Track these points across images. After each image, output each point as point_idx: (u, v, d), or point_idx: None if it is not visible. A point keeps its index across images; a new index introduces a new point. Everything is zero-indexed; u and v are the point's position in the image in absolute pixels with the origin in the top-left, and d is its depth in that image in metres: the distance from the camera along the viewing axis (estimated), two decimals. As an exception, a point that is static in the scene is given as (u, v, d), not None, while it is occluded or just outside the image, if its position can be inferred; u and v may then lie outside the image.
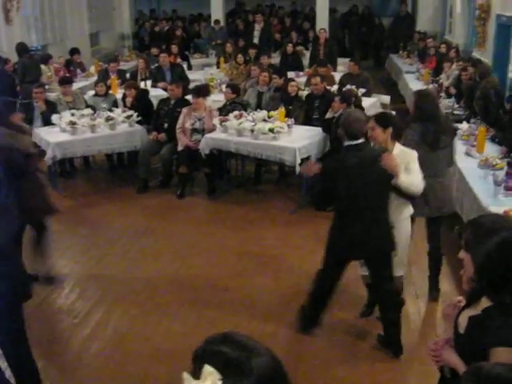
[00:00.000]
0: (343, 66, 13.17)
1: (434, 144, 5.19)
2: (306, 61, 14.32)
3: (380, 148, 4.66)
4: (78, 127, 8.40)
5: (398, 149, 4.72)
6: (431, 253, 5.55)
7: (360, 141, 4.58)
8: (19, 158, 5.17)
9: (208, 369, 1.52)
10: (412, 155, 4.70)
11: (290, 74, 11.87)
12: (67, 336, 5.25)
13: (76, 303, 5.79)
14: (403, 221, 4.86)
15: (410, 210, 4.92)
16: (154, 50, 14.21)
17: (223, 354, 1.54)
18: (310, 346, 4.96)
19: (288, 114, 8.30)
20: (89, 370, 4.76)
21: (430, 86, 10.88)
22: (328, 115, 7.99)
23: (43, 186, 6.07)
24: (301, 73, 12.86)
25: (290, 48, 13.98)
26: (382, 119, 4.82)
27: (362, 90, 9.90)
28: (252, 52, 13.33)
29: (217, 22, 16.99)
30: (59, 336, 5.27)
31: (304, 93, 9.91)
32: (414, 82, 12.19)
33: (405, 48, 16.16)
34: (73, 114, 8.76)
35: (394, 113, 5.53)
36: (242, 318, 5.33)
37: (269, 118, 8.28)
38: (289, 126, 7.92)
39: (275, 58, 14.24)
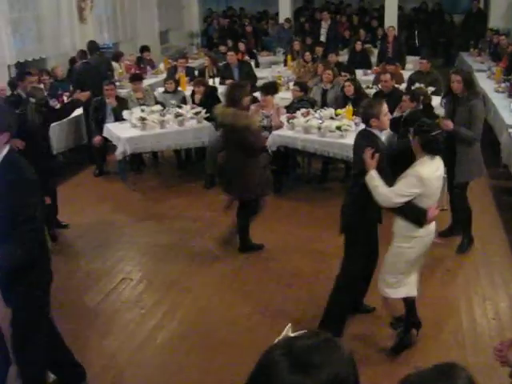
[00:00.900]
0: (412, 64, 12.97)
1: None
2: (373, 59, 14.18)
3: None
4: (147, 123, 8.58)
5: (421, 160, 4.48)
6: None
7: None
8: None
9: None
10: (419, 176, 4.38)
11: (358, 72, 11.80)
12: (134, 326, 5.37)
13: (143, 294, 5.94)
14: (411, 239, 4.54)
15: (418, 229, 4.52)
16: (222, 48, 14.37)
17: None
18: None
19: (355, 112, 8.26)
20: (154, 360, 4.87)
21: (502, 85, 10.61)
22: (395, 114, 7.89)
23: None
24: (368, 71, 12.76)
25: (358, 46, 13.87)
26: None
27: (431, 89, 9.73)
28: (319, 50, 13.28)
29: (288, 20, 16.98)
30: (125, 327, 5.40)
31: (371, 91, 9.85)
32: (485, 81, 11.88)
33: (476, 46, 15.78)
34: (143, 110, 8.96)
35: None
36: (305, 315, 5.36)
37: (336, 115, 8.25)
38: (356, 124, 7.89)
39: (343, 56, 14.15)
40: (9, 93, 9.90)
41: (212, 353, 4.91)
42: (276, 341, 1.64)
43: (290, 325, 1.79)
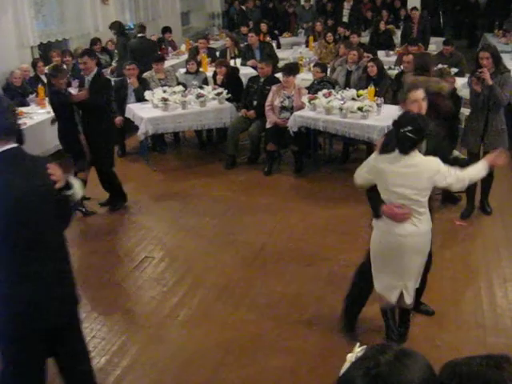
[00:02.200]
0: (435, 45, 12.86)
1: None
2: (396, 40, 14.06)
3: None
4: (169, 103, 8.62)
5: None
6: None
7: None
8: None
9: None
10: (371, 161, 4.37)
11: (380, 53, 11.72)
12: (156, 304, 5.44)
13: (165, 272, 6.01)
14: (375, 227, 4.42)
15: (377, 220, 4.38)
16: (244, 29, 14.33)
17: None
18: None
19: (377, 93, 8.22)
20: (175, 338, 4.94)
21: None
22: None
23: None
24: (391, 52, 12.67)
25: (382, 25, 13.76)
26: None
27: (454, 70, 9.65)
28: (341, 31, 13.21)
29: (308, 0, 16.89)
30: (147, 304, 5.47)
31: (394, 72, 9.79)
32: (509, 62, 11.71)
33: (500, 27, 15.56)
34: (164, 91, 9.00)
35: None
36: (325, 293, 5.39)
37: (358, 96, 8.23)
38: (378, 105, 7.86)
39: (365, 37, 14.05)
40: (32, 74, 10.03)
41: (232, 331, 4.96)
42: (348, 361, 1.63)
43: (358, 344, 1.79)
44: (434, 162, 4.15)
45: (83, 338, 3.68)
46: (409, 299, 4.38)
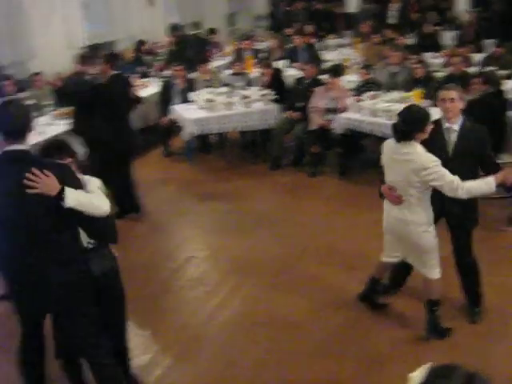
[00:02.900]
0: (488, 47, 12.60)
1: None
2: (443, 42, 13.85)
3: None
4: (214, 104, 8.67)
5: None
6: None
7: None
8: None
9: None
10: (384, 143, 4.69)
11: (427, 55, 11.55)
12: (198, 303, 5.47)
13: (208, 273, 6.03)
14: (425, 229, 4.52)
15: (429, 214, 4.52)
16: (289, 31, 14.32)
17: None
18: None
19: (424, 96, 8.11)
20: (217, 338, 4.96)
21: None
22: (466, 97, 7.72)
23: None
24: (437, 53, 12.48)
25: (427, 28, 13.57)
26: None
27: (502, 72, 9.46)
28: (388, 32, 13.08)
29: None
30: (189, 304, 5.51)
31: (440, 74, 9.65)
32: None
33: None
34: (210, 92, 9.05)
35: None
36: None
37: (404, 99, 8.13)
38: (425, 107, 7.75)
39: (411, 39, 13.88)
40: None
41: (275, 332, 4.95)
42: (411, 380, 1.60)
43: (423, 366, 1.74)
44: (426, 158, 4.26)
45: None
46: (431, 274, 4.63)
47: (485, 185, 4.31)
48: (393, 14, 16.05)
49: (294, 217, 7.18)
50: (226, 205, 7.65)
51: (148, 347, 4.84)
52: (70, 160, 3.54)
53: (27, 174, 3.21)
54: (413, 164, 4.28)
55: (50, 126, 8.16)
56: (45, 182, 3.23)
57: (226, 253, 6.41)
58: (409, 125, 4.27)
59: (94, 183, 3.61)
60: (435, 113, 4.96)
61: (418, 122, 4.29)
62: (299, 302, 5.37)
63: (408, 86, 8.76)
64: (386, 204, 4.67)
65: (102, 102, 6.87)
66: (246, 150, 9.75)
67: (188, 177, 8.71)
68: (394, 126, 4.35)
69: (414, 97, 8.05)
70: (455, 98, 4.57)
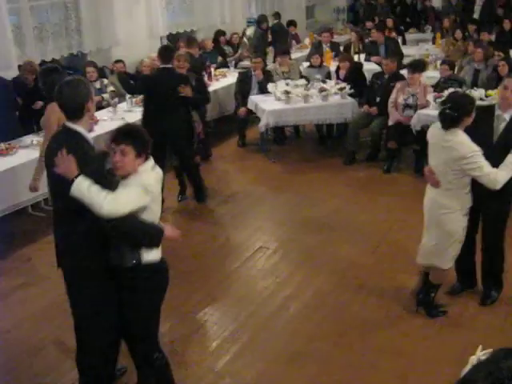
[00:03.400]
0: None
1: None
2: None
3: None
4: (292, 96, 8.67)
5: None
6: None
7: None
8: None
9: None
10: None
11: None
12: (268, 294, 5.49)
13: (279, 264, 6.05)
14: (454, 212, 4.60)
15: (464, 202, 4.60)
16: (369, 24, 14.15)
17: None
18: None
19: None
20: (286, 329, 4.97)
21: None
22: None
23: None
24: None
25: (506, 24, 13.14)
26: None
27: None
28: (471, 28, 12.76)
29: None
30: (260, 294, 5.53)
31: (526, 72, 9.33)
32: None
33: None
34: (287, 84, 9.06)
35: None
36: (439, 297, 5.23)
37: (486, 96, 7.91)
38: (508, 105, 7.52)
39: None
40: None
41: (343, 327, 4.93)
42: (470, 364, 1.59)
43: (480, 347, 1.74)
44: (467, 148, 4.34)
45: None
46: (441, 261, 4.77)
47: (510, 165, 4.41)
48: (478, 8, 15.64)
49: (367, 213, 7.11)
50: (299, 197, 7.64)
51: (216, 334, 4.91)
52: (129, 148, 3.46)
53: (58, 152, 3.38)
54: (454, 152, 4.38)
55: (129, 112, 8.36)
56: (66, 165, 3.36)
57: (297, 245, 6.41)
58: (457, 110, 4.38)
59: (140, 179, 3.47)
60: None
61: (465, 106, 4.41)
62: (369, 298, 5.33)
63: (491, 83, 8.51)
64: (428, 186, 4.78)
65: (146, 94, 7.27)
66: (321, 143, 9.71)
67: (262, 168, 8.75)
68: (442, 114, 4.45)
69: (498, 95, 7.81)
70: (508, 86, 4.58)
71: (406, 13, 17.53)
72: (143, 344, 3.84)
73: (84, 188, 3.33)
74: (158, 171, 3.64)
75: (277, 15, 13.51)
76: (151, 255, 3.60)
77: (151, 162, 3.59)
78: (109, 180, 3.52)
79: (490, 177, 4.35)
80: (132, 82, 7.93)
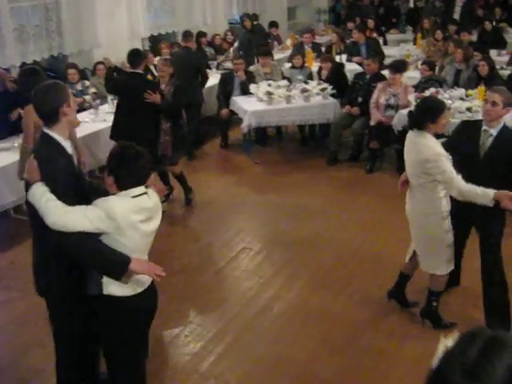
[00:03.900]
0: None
1: None
2: (509, 39, 13.53)
3: None
4: (274, 97, 8.68)
5: None
6: None
7: None
8: None
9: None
10: None
11: (492, 53, 11.30)
12: (252, 294, 5.50)
13: (263, 264, 6.06)
14: (431, 216, 4.56)
15: (438, 206, 4.52)
16: (350, 25, 14.21)
17: None
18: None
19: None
20: (270, 329, 4.99)
21: None
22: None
23: None
24: (503, 51, 12.21)
25: (488, 25, 13.27)
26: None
27: None
28: (452, 28, 12.86)
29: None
30: (243, 294, 5.54)
31: (505, 72, 9.45)
32: None
33: None
34: (269, 85, 9.07)
35: None
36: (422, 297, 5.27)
37: (467, 96, 7.99)
38: (488, 105, 7.59)
39: (476, 35, 13.61)
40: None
41: (327, 325, 4.96)
42: (441, 346, 1.60)
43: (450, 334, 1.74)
44: (432, 150, 4.32)
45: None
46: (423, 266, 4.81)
47: (482, 195, 4.24)
48: (458, 9, 15.78)
49: (350, 212, 7.14)
50: (282, 198, 7.66)
51: (200, 335, 4.90)
52: (110, 178, 3.35)
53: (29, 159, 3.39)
54: (420, 154, 4.39)
55: (111, 114, 8.32)
56: (28, 170, 3.34)
57: (281, 246, 6.42)
58: (420, 113, 4.44)
59: (107, 203, 3.25)
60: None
61: (429, 112, 4.39)
62: (353, 298, 5.36)
63: (472, 83, 8.59)
64: (407, 190, 4.77)
65: (117, 96, 7.40)
66: (304, 143, 9.73)
67: (245, 169, 8.76)
68: (408, 113, 4.61)
69: (478, 95, 7.91)
70: (497, 102, 4.43)
71: (390, 13, 17.61)
72: (118, 376, 3.64)
73: (37, 194, 3.24)
74: (141, 202, 3.29)
75: (254, 16, 13.48)
76: (112, 287, 3.34)
77: (137, 190, 3.30)
78: (91, 192, 3.48)
79: (453, 182, 4.28)
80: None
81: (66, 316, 3.64)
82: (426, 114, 4.39)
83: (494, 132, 4.51)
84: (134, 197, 3.27)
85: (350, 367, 4.44)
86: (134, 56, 7.03)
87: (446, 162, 4.31)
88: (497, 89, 4.62)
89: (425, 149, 4.36)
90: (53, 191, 3.26)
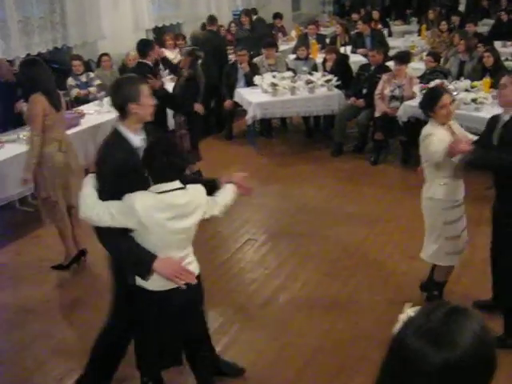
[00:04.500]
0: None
1: None
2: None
3: None
4: (278, 89, 8.68)
5: None
6: None
7: None
8: None
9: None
10: None
11: (497, 44, 11.26)
12: (257, 286, 5.52)
13: (268, 256, 6.08)
14: (430, 203, 4.73)
15: (439, 194, 4.61)
16: (355, 16, 14.18)
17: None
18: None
19: (493, 85, 7.93)
20: (275, 320, 4.98)
21: None
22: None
23: None
24: (508, 42, 12.15)
25: (503, 16, 13.22)
26: None
27: None
28: (456, 19, 12.81)
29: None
30: (249, 286, 5.55)
31: (511, 63, 9.42)
32: None
33: None
34: (274, 76, 9.07)
35: None
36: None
37: (472, 88, 7.97)
38: (493, 96, 7.56)
39: (481, 27, 13.56)
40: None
41: (333, 317, 4.96)
42: (400, 321, 1.62)
43: (409, 304, 1.77)
44: (426, 130, 4.56)
45: None
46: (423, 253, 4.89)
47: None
48: (464, 0, 15.74)
49: (354, 204, 7.15)
50: (287, 189, 7.67)
51: (206, 326, 4.92)
52: None
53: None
54: (422, 143, 4.61)
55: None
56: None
57: (285, 237, 6.44)
58: (420, 104, 4.77)
59: (131, 198, 3.25)
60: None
61: (426, 102, 4.64)
62: (358, 289, 5.37)
63: (476, 75, 8.57)
64: None
65: None
66: (309, 135, 9.73)
67: (249, 160, 8.76)
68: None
69: (483, 86, 7.88)
70: (505, 84, 4.28)
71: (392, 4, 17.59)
72: (139, 361, 3.64)
73: (85, 183, 3.37)
74: (169, 198, 3.24)
75: (253, 11, 13.47)
76: (141, 280, 3.37)
77: (168, 185, 3.25)
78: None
79: (440, 166, 4.49)
80: None
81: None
82: (424, 105, 4.61)
83: (507, 117, 4.31)
84: (161, 192, 3.22)
85: (357, 357, 4.45)
86: (143, 46, 7.09)
87: (437, 143, 4.39)
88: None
89: (427, 139, 4.49)
90: (99, 189, 3.33)
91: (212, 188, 3.65)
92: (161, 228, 3.24)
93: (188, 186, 3.34)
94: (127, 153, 3.43)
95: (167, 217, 3.23)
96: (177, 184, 3.28)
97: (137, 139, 3.51)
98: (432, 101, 4.52)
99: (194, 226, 3.44)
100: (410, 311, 1.68)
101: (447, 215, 4.60)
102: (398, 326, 1.62)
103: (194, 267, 3.55)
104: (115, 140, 3.49)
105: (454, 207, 4.61)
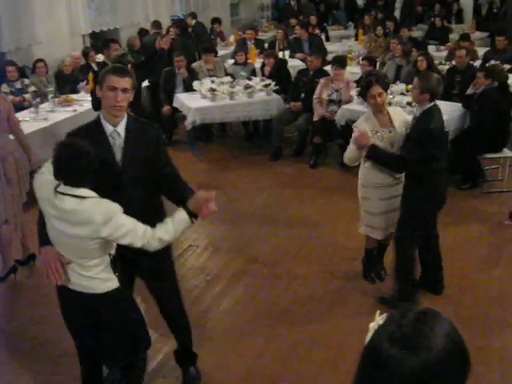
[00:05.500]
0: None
1: None
2: (452, 36, 13.84)
3: None
4: (217, 94, 8.66)
5: None
6: None
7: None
8: None
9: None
10: None
11: (430, 48, 11.55)
12: (199, 292, 5.48)
13: (209, 261, 6.05)
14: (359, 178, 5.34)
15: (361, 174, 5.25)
16: (293, 21, 14.29)
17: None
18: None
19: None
20: (217, 326, 4.98)
21: None
22: (469, 91, 7.73)
23: None
24: (441, 47, 12.47)
25: (438, 22, 13.58)
26: None
27: (506, 66, 9.45)
28: (390, 24, 13.07)
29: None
30: (190, 292, 5.50)
31: (444, 67, 9.65)
32: None
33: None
34: (213, 82, 9.05)
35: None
36: (370, 288, 5.35)
37: (407, 91, 8.14)
38: (427, 100, 7.75)
39: (416, 32, 13.88)
40: (83, 62, 10.15)
41: (275, 321, 4.96)
42: (371, 330, 1.63)
43: (378, 312, 1.78)
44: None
45: None
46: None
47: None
48: (399, 6, 16.08)
49: (294, 207, 7.19)
50: (227, 194, 7.65)
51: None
52: None
53: None
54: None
55: (51, 112, 8.16)
56: None
57: (227, 242, 6.43)
58: (359, 92, 5.52)
59: None
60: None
61: (360, 90, 5.24)
62: (299, 292, 5.39)
63: (411, 78, 8.73)
64: None
65: None
66: (248, 140, 9.75)
67: (189, 165, 8.67)
68: None
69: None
70: (414, 86, 4.77)
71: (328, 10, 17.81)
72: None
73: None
74: (56, 198, 3.20)
75: (193, 15, 13.48)
76: None
77: (68, 188, 3.17)
78: None
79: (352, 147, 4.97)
80: None
81: None
82: (360, 93, 5.24)
83: (417, 114, 4.80)
84: (58, 192, 3.16)
85: (298, 360, 4.47)
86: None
87: (355, 131, 4.87)
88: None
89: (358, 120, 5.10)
90: None
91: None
92: (48, 221, 3.26)
93: (92, 199, 3.17)
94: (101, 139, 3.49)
95: (53, 214, 3.19)
96: (78, 191, 3.15)
97: (110, 129, 3.54)
98: (363, 90, 4.92)
99: (87, 239, 3.21)
100: (379, 319, 1.68)
101: (363, 192, 5.24)
102: (369, 335, 1.62)
103: (75, 278, 3.35)
104: (88, 128, 3.55)
105: (372, 187, 5.16)
